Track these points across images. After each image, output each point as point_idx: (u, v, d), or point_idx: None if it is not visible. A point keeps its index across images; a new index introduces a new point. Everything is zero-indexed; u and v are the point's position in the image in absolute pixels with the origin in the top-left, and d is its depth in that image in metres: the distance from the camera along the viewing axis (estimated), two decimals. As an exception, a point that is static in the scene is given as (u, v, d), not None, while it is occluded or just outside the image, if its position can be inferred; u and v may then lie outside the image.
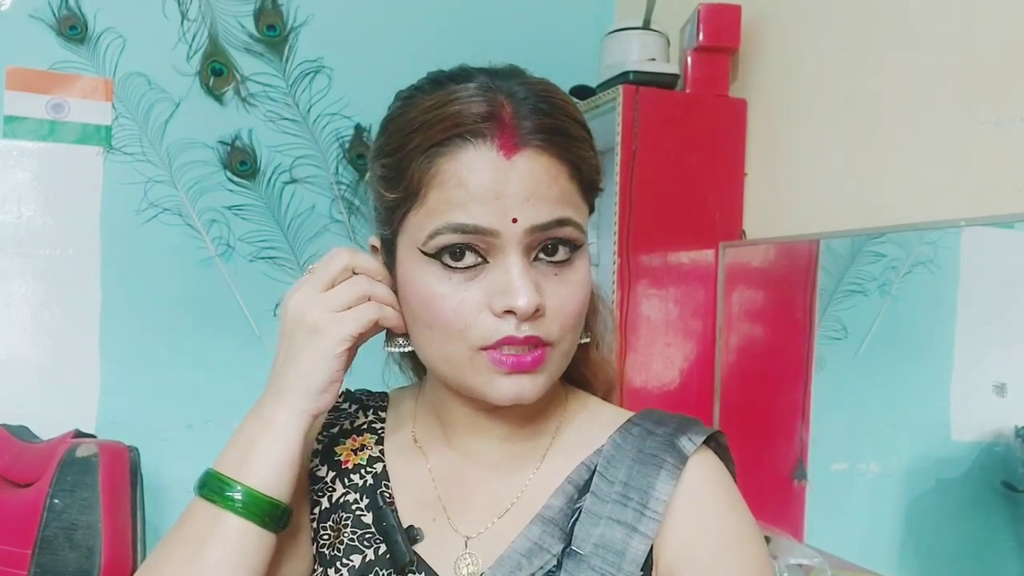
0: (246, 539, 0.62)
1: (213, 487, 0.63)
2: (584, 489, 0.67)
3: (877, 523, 1.49)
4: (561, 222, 0.62)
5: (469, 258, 0.62)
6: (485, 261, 0.62)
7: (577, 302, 0.64)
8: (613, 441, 0.68)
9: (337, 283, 0.65)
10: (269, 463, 0.63)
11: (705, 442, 0.67)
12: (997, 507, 1.28)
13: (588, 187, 0.66)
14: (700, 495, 0.65)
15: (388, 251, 0.68)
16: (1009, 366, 1.25)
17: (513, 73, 0.65)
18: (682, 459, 0.65)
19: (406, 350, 0.70)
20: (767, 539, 1.57)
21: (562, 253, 0.63)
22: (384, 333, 0.70)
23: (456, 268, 0.62)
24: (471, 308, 0.62)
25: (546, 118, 0.62)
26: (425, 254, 0.62)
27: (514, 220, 0.60)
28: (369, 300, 0.65)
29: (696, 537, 0.64)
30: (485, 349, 0.62)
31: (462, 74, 0.65)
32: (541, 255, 0.63)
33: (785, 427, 1.69)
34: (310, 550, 0.72)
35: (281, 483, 0.63)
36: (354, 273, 0.66)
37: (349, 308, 0.65)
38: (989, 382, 1.27)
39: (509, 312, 0.61)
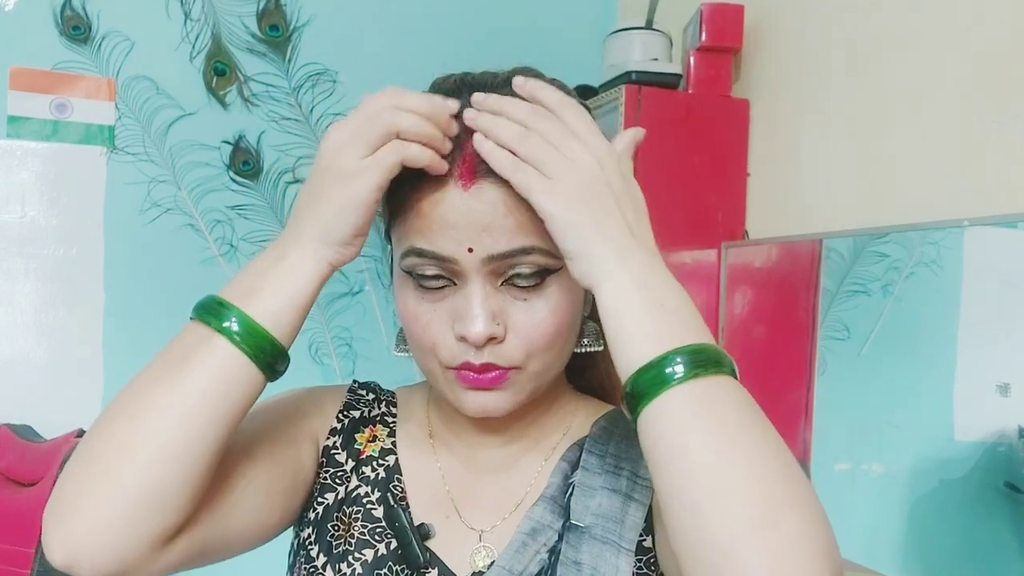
0: (232, 368, 0.57)
1: (210, 309, 0.58)
2: (576, 465, 0.69)
3: (880, 523, 1.49)
4: (525, 251, 0.60)
5: (441, 279, 0.62)
6: (453, 283, 0.62)
7: (546, 325, 0.62)
8: (600, 424, 0.71)
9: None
10: (275, 299, 0.58)
11: None
12: (1000, 508, 1.28)
13: None
14: None
15: None
16: (1012, 366, 1.24)
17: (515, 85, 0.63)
18: None
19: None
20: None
21: (534, 278, 0.62)
22: (395, 339, 0.70)
23: (427, 288, 0.63)
24: (438, 328, 0.63)
25: None
26: (403, 270, 0.64)
27: (470, 250, 0.60)
28: (397, 137, 0.57)
29: None
30: (449, 368, 0.63)
31: (455, 91, 0.64)
32: (514, 279, 0.62)
33: (788, 427, 1.69)
34: (306, 489, 0.71)
35: (283, 323, 0.58)
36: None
37: (377, 150, 0.57)
38: (992, 382, 1.27)
39: (464, 338, 0.61)
